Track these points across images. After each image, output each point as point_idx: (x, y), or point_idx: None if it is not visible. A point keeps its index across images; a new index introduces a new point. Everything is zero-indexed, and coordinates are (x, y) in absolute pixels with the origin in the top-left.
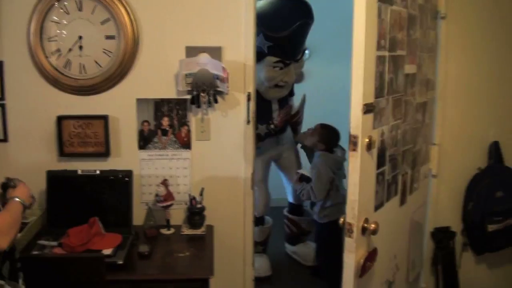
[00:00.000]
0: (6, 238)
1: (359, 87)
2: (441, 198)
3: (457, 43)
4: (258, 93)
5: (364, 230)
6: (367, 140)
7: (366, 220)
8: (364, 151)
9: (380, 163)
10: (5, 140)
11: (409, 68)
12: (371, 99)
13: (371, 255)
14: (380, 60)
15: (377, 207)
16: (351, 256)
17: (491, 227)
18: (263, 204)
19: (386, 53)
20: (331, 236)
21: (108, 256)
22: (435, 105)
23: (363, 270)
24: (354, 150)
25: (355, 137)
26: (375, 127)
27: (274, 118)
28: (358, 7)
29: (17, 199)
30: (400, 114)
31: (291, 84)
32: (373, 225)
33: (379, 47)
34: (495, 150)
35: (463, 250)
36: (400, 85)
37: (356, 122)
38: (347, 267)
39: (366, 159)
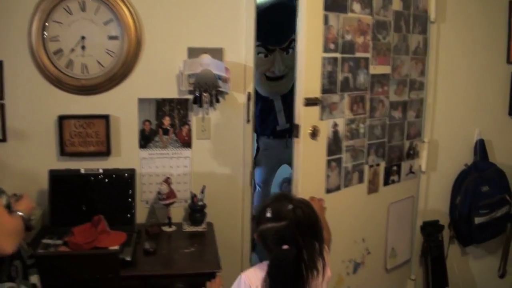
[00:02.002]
0: (12, 241)
1: (301, 84)
2: (430, 193)
3: (446, 47)
4: (256, 93)
5: None
6: (311, 129)
7: (311, 198)
8: (307, 139)
9: (333, 151)
10: (3, 140)
11: (378, 69)
12: (316, 94)
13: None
14: (328, 61)
15: (330, 190)
16: None
17: (477, 220)
18: None
19: (338, 55)
20: None
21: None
22: (424, 105)
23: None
24: (297, 137)
25: (298, 126)
26: (322, 118)
27: (279, 120)
28: (301, 14)
29: (19, 213)
30: (363, 109)
31: (288, 79)
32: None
33: (328, 50)
34: (480, 147)
35: (450, 242)
36: (361, 83)
37: (298, 113)
38: None
39: (311, 145)
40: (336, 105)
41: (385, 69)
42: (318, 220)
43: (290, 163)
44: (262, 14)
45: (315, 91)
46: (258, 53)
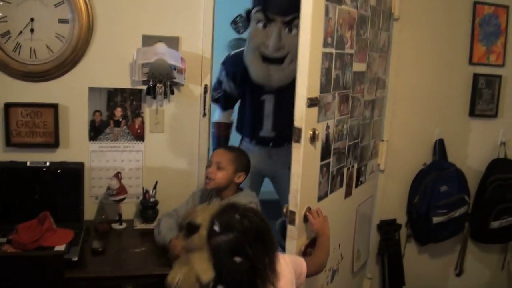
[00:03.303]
0: None
1: (304, 82)
2: (388, 192)
3: (408, 45)
4: (245, 80)
5: (305, 218)
6: (311, 132)
7: (308, 209)
8: (307, 143)
9: (324, 155)
10: None
11: (358, 66)
12: (316, 94)
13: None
14: (326, 57)
15: (321, 198)
16: (293, 242)
17: (436, 220)
18: None
19: (333, 51)
20: None
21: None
22: (385, 103)
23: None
24: (297, 141)
25: (299, 129)
26: (319, 120)
27: (264, 126)
28: (305, 5)
29: None
30: (347, 109)
31: (289, 68)
32: (316, 213)
33: (326, 44)
34: (439, 147)
35: (407, 241)
36: (347, 81)
37: (300, 115)
38: (289, 253)
39: (309, 151)
40: (329, 105)
41: (362, 67)
42: (268, 229)
43: (272, 177)
44: None
45: (315, 91)
46: (257, 21)
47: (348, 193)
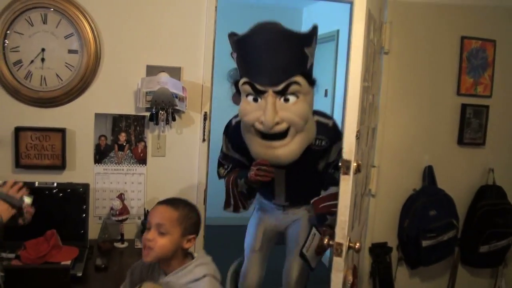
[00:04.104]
0: None
1: (354, 115)
2: (379, 216)
3: (398, 76)
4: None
5: (348, 249)
6: (355, 164)
7: (349, 240)
8: (354, 175)
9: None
10: None
11: (371, 98)
12: (358, 127)
13: (355, 272)
14: (364, 90)
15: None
16: (340, 275)
17: (425, 243)
18: (254, 281)
19: (366, 84)
20: None
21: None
22: (376, 131)
23: (352, 286)
24: (346, 173)
25: (348, 161)
26: (358, 152)
27: (276, 195)
28: (356, 38)
29: None
30: (372, 139)
31: (293, 142)
32: (357, 244)
33: (364, 78)
34: (429, 173)
35: (399, 264)
36: (367, 113)
37: (349, 148)
38: (335, 286)
39: (354, 182)
40: (362, 136)
41: (370, 98)
42: None
43: (285, 229)
44: (249, 41)
45: (358, 124)
46: (246, 94)
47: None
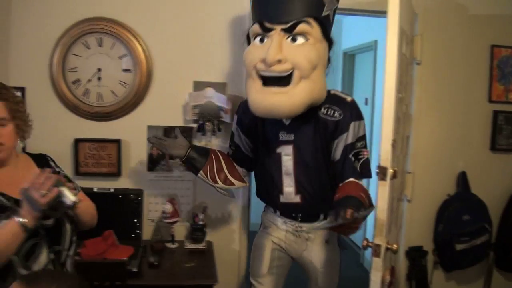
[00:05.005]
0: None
1: (389, 125)
2: (415, 220)
3: (430, 85)
4: (262, 133)
5: (387, 250)
6: (392, 171)
7: (387, 242)
8: (390, 181)
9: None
10: None
11: (405, 108)
12: (394, 136)
13: (392, 272)
14: (398, 101)
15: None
16: (378, 274)
17: (459, 247)
18: None
19: (400, 95)
20: None
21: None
22: (410, 138)
23: (390, 285)
24: (383, 179)
25: (385, 168)
26: (393, 160)
27: (284, 188)
28: (389, 61)
29: (17, 220)
30: (406, 148)
31: (295, 90)
32: (395, 246)
33: (398, 90)
34: (462, 179)
35: (434, 268)
36: (401, 122)
37: (385, 155)
38: (374, 285)
39: (391, 187)
40: (397, 144)
41: (405, 108)
42: None
43: (299, 257)
44: None
45: (392, 132)
46: (254, 37)
47: None
